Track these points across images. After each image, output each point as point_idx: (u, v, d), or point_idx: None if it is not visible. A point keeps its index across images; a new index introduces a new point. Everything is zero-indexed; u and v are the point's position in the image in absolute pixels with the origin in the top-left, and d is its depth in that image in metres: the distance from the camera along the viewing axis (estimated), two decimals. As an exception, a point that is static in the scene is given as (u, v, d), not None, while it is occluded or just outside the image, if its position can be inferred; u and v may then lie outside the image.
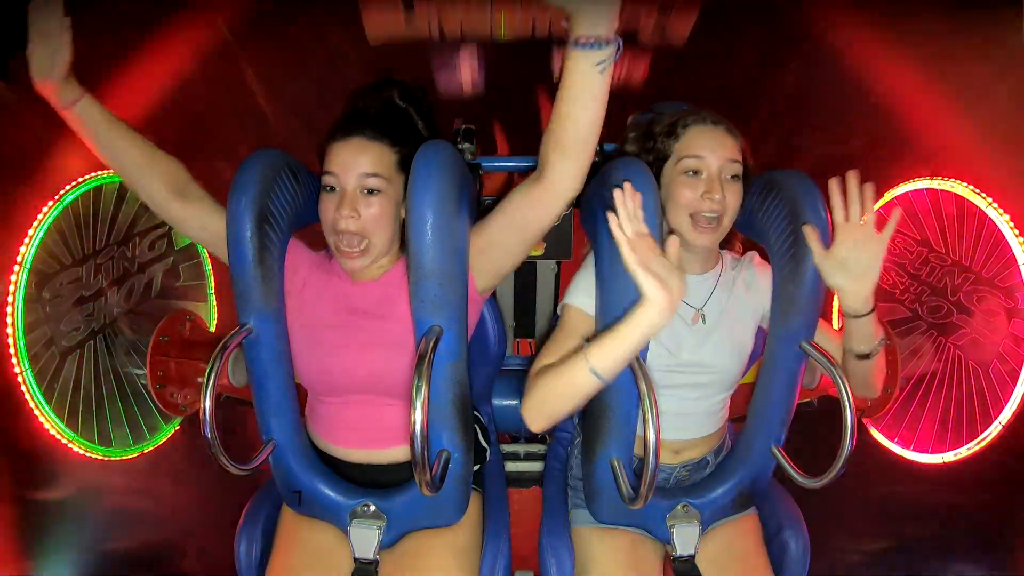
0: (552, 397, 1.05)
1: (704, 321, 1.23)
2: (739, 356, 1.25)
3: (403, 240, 1.19)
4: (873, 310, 1.12)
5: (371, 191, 1.13)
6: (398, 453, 1.23)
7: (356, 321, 1.18)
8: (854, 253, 1.07)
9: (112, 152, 1.15)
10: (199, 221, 1.19)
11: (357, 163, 1.12)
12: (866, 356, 1.16)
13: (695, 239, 1.16)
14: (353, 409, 1.21)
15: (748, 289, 1.27)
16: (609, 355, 0.98)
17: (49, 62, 1.05)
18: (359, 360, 1.17)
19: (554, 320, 1.45)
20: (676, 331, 1.21)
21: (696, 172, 1.15)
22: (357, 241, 1.13)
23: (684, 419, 1.26)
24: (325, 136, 1.17)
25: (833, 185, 1.08)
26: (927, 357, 1.81)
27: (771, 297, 1.22)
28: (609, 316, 1.10)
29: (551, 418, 1.08)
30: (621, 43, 0.90)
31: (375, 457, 1.24)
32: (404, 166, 1.15)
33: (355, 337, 1.17)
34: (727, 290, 1.26)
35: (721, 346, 1.23)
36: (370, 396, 1.19)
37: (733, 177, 1.16)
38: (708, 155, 1.14)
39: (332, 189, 1.14)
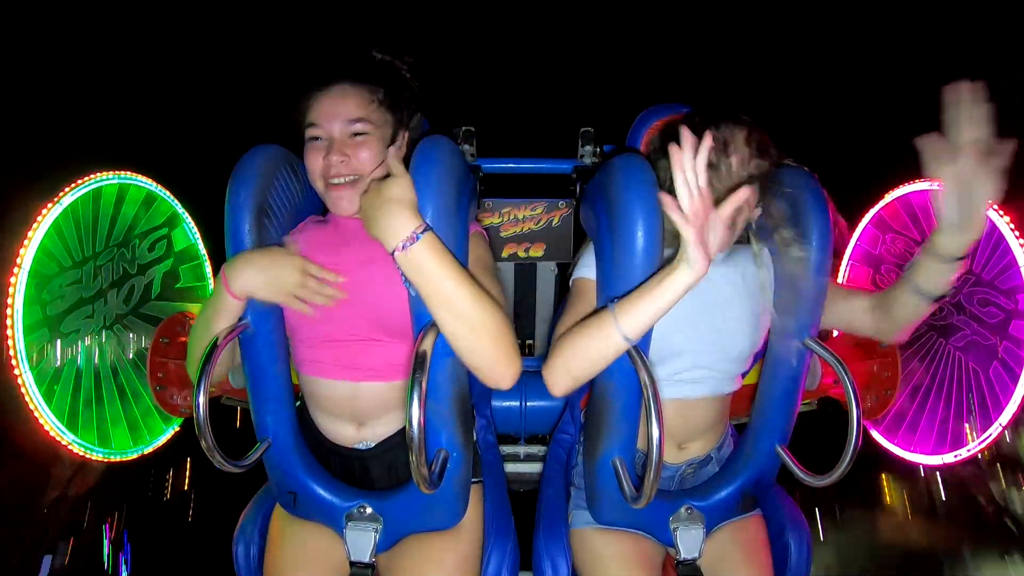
0: (578, 358, 1.05)
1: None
2: (750, 329, 1.23)
3: None
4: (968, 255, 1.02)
5: (358, 135, 1.12)
6: (382, 390, 1.18)
7: (349, 249, 1.16)
8: (971, 180, 0.93)
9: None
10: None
11: (341, 109, 1.11)
12: (936, 298, 1.08)
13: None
14: (336, 340, 1.17)
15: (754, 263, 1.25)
16: (639, 317, 0.98)
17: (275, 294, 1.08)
18: (351, 278, 1.14)
19: (555, 321, 1.45)
20: (686, 306, 1.20)
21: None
22: (348, 179, 1.12)
23: (689, 405, 1.24)
24: (299, 86, 1.15)
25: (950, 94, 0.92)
26: (927, 359, 1.81)
27: (773, 293, 1.22)
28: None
29: (576, 380, 1.08)
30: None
31: (359, 396, 1.19)
32: (391, 106, 1.15)
33: (348, 259, 1.15)
34: (735, 264, 1.25)
35: (732, 319, 1.21)
36: (360, 327, 1.16)
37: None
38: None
39: (317, 139, 1.13)
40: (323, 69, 1.15)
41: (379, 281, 1.13)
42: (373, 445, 1.22)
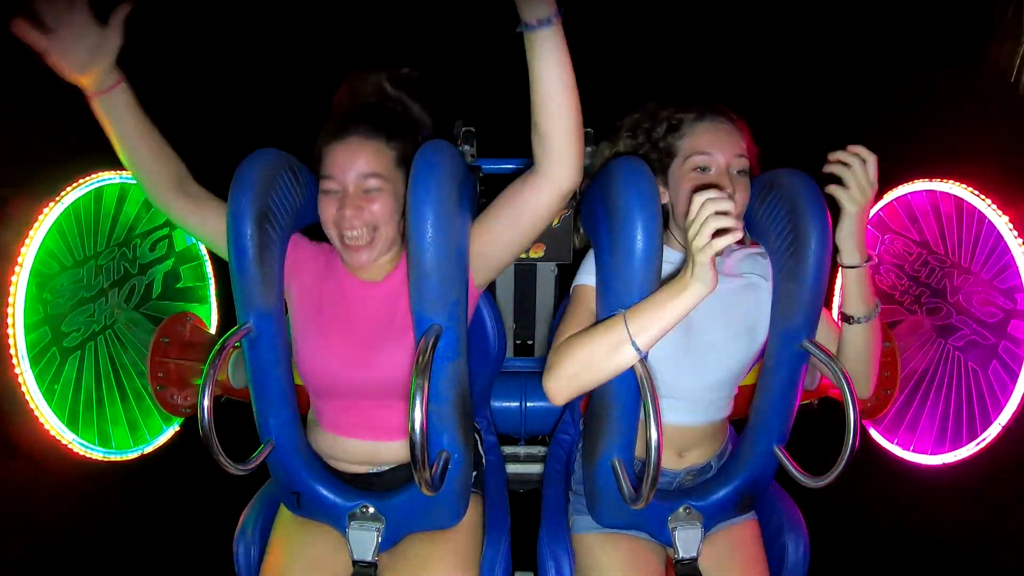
0: (587, 369, 1.05)
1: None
2: (747, 336, 1.23)
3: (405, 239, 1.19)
4: (866, 264, 1.13)
5: (370, 190, 1.12)
6: (401, 448, 1.23)
7: (360, 326, 1.18)
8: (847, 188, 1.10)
9: (130, 144, 1.11)
10: (199, 216, 1.18)
11: (355, 164, 1.11)
12: (855, 320, 1.17)
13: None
14: (355, 408, 1.21)
15: (752, 264, 1.26)
16: (651, 329, 0.99)
17: (87, 51, 1.01)
18: (363, 364, 1.16)
19: (554, 324, 1.45)
20: (667, 344, 1.21)
21: (704, 168, 1.16)
22: (366, 233, 1.13)
23: (690, 403, 1.24)
24: (320, 135, 1.16)
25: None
26: (927, 358, 1.81)
27: (771, 295, 1.22)
28: (608, 315, 1.09)
29: (581, 389, 1.08)
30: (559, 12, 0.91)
31: (378, 451, 1.24)
32: (403, 162, 1.14)
33: (359, 342, 1.17)
34: (732, 270, 1.25)
35: (728, 325, 1.21)
36: (373, 399, 1.19)
37: (740, 172, 1.16)
38: (716, 151, 1.15)
39: (332, 191, 1.13)
40: (340, 121, 1.15)
41: (384, 346, 1.16)
42: (385, 470, 1.26)
